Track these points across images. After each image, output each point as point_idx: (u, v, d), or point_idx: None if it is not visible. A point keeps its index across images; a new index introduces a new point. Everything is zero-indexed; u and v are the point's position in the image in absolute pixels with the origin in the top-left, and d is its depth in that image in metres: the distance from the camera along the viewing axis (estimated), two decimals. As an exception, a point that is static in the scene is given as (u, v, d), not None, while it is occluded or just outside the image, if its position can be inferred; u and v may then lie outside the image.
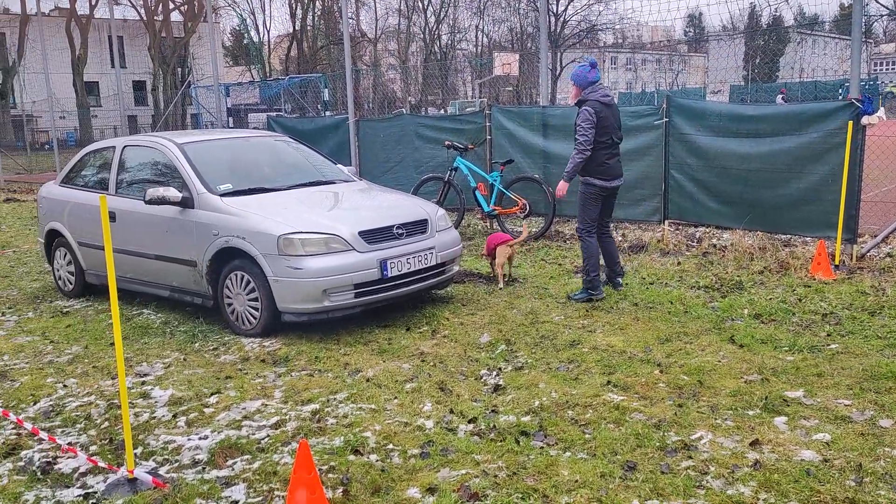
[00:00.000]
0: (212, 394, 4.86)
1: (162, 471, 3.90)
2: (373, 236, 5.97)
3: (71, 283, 7.71)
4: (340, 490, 3.59)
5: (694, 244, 8.78)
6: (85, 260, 7.44)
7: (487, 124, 10.23)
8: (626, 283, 7.08)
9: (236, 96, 30.21)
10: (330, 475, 3.74)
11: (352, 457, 3.95)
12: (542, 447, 4.01)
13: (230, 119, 18.05)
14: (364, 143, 11.79)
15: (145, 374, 5.29)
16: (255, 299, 5.92)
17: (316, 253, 5.74)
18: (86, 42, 41.80)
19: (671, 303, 6.42)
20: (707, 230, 9.16)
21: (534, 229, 9.88)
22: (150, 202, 6.32)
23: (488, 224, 10.54)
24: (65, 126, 44.22)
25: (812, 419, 4.18)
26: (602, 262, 6.86)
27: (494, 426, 4.26)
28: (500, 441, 4.08)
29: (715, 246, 8.53)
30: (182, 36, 46.17)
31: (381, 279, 5.92)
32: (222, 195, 6.27)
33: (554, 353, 5.40)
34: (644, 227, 9.51)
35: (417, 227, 6.33)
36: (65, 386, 5.13)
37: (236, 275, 6.01)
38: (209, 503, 3.55)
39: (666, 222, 8.96)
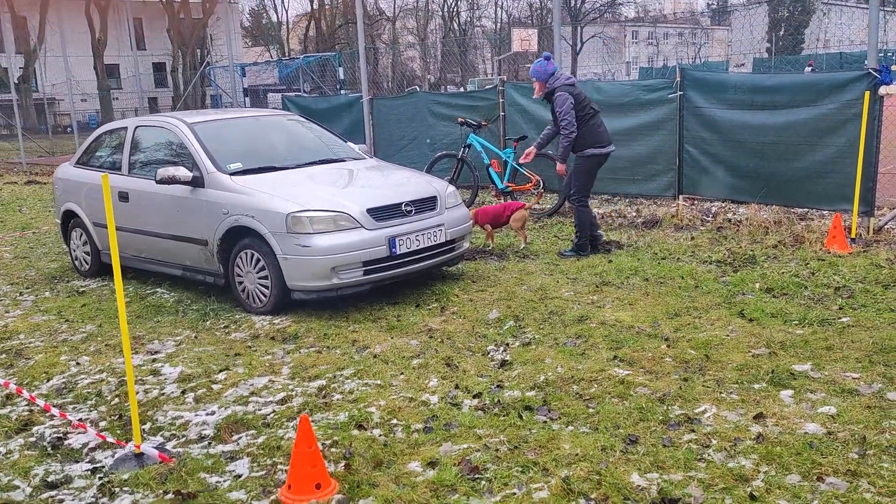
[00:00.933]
0: (220, 370, 4.92)
1: (169, 446, 3.96)
2: (381, 213, 5.98)
3: (87, 264, 7.80)
4: (343, 464, 3.62)
5: (709, 219, 8.70)
6: (100, 240, 7.52)
7: (501, 101, 10.17)
8: (638, 259, 7.04)
9: (255, 77, 30.27)
10: (333, 450, 3.78)
11: (355, 431, 3.98)
12: (545, 421, 4.02)
13: (247, 99, 18.07)
14: (378, 121, 11.78)
15: (156, 352, 5.36)
16: (265, 277, 5.97)
17: (324, 231, 5.76)
18: (105, 25, 41.97)
19: (682, 277, 6.38)
20: (723, 205, 9.07)
21: (547, 206, 9.84)
22: (160, 182, 6.37)
23: (502, 201, 10.50)
24: (86, 108, 44.60)
25: (819, 392, 4.15)
26: None
27: (499, 401, 4.27)
28: (504, 416, 4.10)
29: (730, 220, 8.45)
30: (201, 17, 46.24)
31: (389, 256, 5.93)
32: (232, 174, 6.30)
33: (562, 329, 5.39)
34: (658, 203, 9.43)
35: (426, 204, 6.33)
36: (77, 363, 5.22)
37: (246, 253, 6.06)
38: (213, 477, 3.60)
39: (680, 197, 8.88)
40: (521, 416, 4.07)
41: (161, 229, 6.76)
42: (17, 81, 40.06)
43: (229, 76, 21.84)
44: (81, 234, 7.78)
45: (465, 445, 3.77)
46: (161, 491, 3.48)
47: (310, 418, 4.14)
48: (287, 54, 54.46)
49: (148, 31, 52.04)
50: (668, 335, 5.11)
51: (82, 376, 4.98)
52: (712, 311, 5.53)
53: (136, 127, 7.32)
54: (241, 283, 6.18)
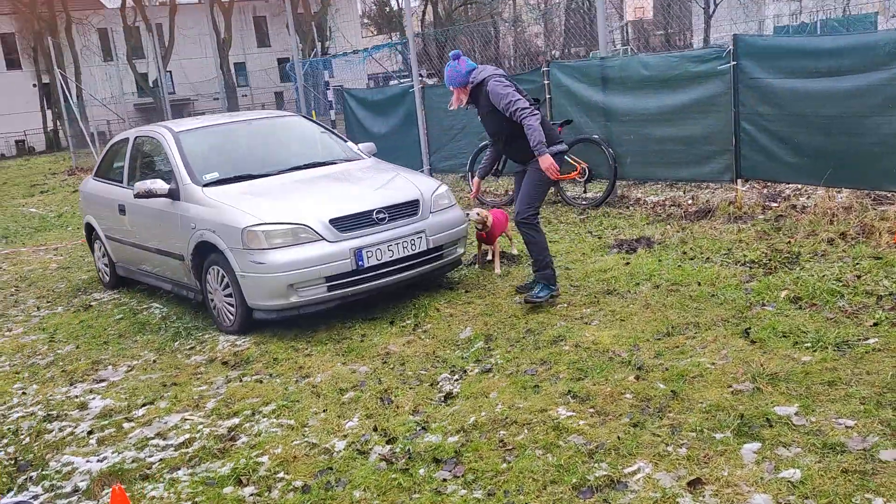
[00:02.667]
0: (144, 404, 4.60)
1: (43, 497, 3.66)
2: (346, 223, 5.46)
3: (108, 276, 7.79)
4: (183, 535, 3.18)
5: (775, 205, 7.57)
6: (114, 253, 7.47)
7: (546, 82, 9.35)
8: (660, 260, 6.15)
9: (376, 64, 30.28)
10: (186, 514, 3.34)
11: (228, 489, 3.53)
12: (443, 480, 3.40)
13: (328, 92, 17.89)
14: (430, 110, 11.21)
15: (102, 381, 5.13)
16: (230, 295, 5.61)
17: (281, 245, 5.33)
18: (229, 25, 43.59)
19: (699, 284, 5.46)
20: (793, 188, 7.89)
21: (597, 194, 8.98)
22: (137, 196, 6.17)
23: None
24: (218, 107, 46.70)
25: (793, 447, 3.28)
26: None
27: (409, 450, 3.69)
28: (403, 471, 3.52)
29: (794, 207, 7.31)
30: (319, 8, 47.12)
31: (355, 270, 5.42)
32: (206, 185, 5.98)
33: (531, 353, 4.69)
34: (715, 189, 8.35)
35: (404, 209, 5.76)
36: (24, 393, 5.07)
37: (213, 270, 5.73)
38: (50, 544, 3.26)
39: (739, 181, 7.78)
40: (420, 473, 3.47)
41: (149, 243, 6.59)
42: (153, 85, 42.55)
43: (349, 67, 21.80)
44: (101, 247, 7.77)
45: (333, 513, 3.22)
46: (-15, 561, 3.17)
47: (195, 469, 3.75)
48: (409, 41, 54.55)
49: (271, 27, 53.77)
50: (644, 363, 4.30)
51: (18, 409, 4.81)
52: (713, 330, 4.65)
53: (136, 137, 7.17)
54: (212, 300, 5.87)
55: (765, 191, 8.29)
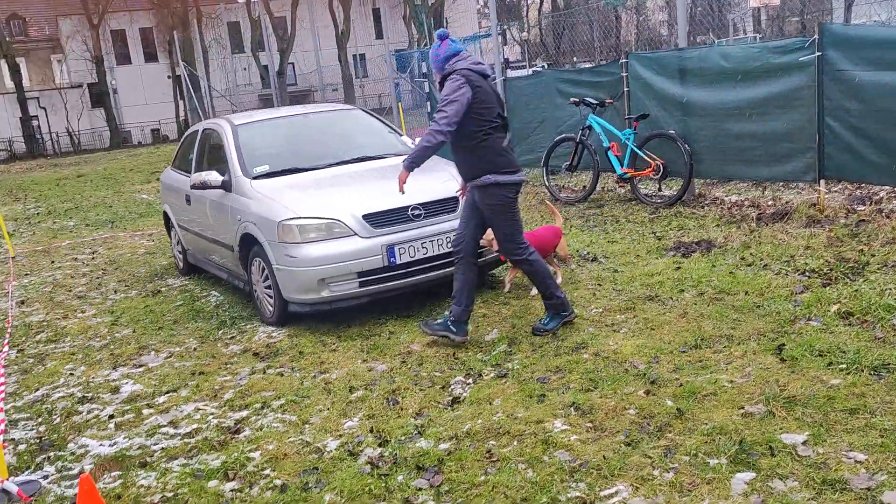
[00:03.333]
0: (168, 392, 4.76)
1: (52, 478, 3.85)
2: (379, 219, 5.45)
3: (181, 263, 8.12)
4: (155, 525, 3.25)
5: (862, 208, 6.99)
6: (185, 241, 7.77)
7: (624, 74, 8.99)
8: (714, 266, 5.80)
9: (490, 56, 30.23)
10: (166, 504, 3.42)
11: (213, 483, 3.59)
12: (418, 489, 3.33)
13: (424, 83, 17.92)
14: (512, 104, 11.03)
15: (141, 366, 5.34)
16: (270, 287, 5.72)
17: (315, 240, 5.37)
18: (348, 17, 44.60)
19: (746, 293, 5.11)
20: (888, 191, 7.25)
21: (672, 191, 8.59)
22: (193, 187, 6.38)
23: (624, 189, 9.37)
24: (337, 98, 47.95)
25: (789, 480, 3.01)
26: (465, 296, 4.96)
27: (396, 455, 3.63)
28: (384, 476, 3.47)
29: (881, 212, 6.71)
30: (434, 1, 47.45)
31: (388, 266, 5.40)
32: (255, 178, 6.11)
33: (549, 359, 4.53)
34: (801, 189, 7.79)
35: (442, 206, 5.68)
36: (72, 374, 5.35)
37: (256, 261, 5.85)
38: (40, 524, 3.41)
39: (822, 182, 7.23)
40: (398, 480, 3.41)
41: (207, 232, 6.81)
42: (274, 76, 44.10)
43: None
44: (175, 235, 8.10)
45: (300, 514, 3.21)
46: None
47: (190, 460, 3.84)
48: (525, 30, 54.15)
49: (387, 20, 54.53)
50: (659, 376, 4.06)
51: (61, 389, 5.09)
52: (744, 344, 4.32)
53: (203, 129, 7.41)
54: (255, 291, 6.00)
55: (856, 192, 7.67)
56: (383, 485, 3.37)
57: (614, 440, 3.50)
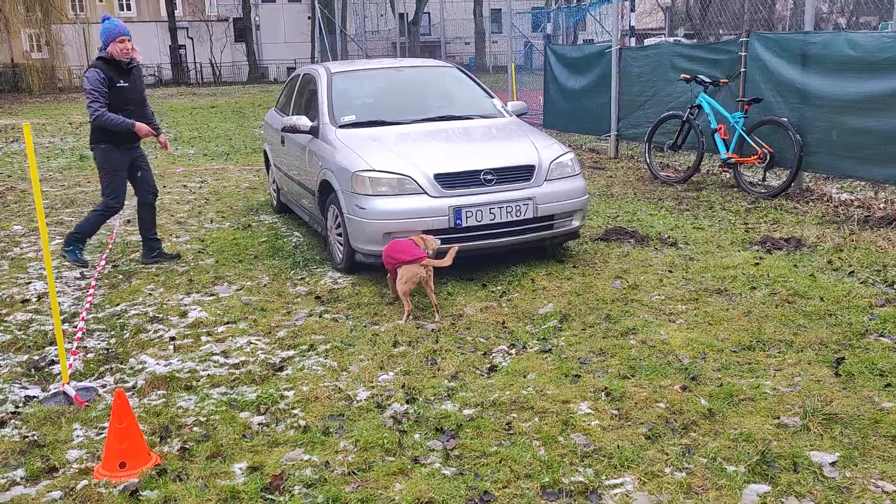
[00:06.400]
0: (227, 322, 4.99)
1: (108, 388, 4.14)
2: (450, 180, 5.45)
3: (275, 201, 8.42)
4: (179, 447, 3.45)
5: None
6: (278, 181, 8.05)
7: (743, 54, 8.53)
8: (796, 266, 5.49)
9: (639, 20, 29.24)
10: (196, 429, 3.62)
11: (244, 414, 3.76)
12: (430, 449, 3.38)
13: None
14: (625, 75, 10.69)
15: (213, 295, 5.61)
16: (341, 234, 5.86)
17: (384, 194, 5.45)
18: (486, -30, 44.13)
19: (822, 299, 4.83)
20: None
21: (777, 182, 8.16)
22: (283, 130, 6.57)
23: (727, 175, 8.94)
24: (468, 52, 47.78)
25: (806, 499, 2.87)
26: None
27: (420, 414, 3.70)
28: (403, 432, 3.54)
29: None
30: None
31: (453, 228, 5.42)
32: (340, 126, 6.23)
33: (595, 341, 4.46)
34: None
35: (516, 173, 5.62)
36: (150, 294, 5.69)
37: (332, 208, 6.00)
38: (84, 430, 3.68)
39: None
40: (414, 438, 3.48)
41: (296, 175, 7.01)
42: (408, 26, 44.35)
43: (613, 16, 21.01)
44: (272, 173, 8.40)
45: (312, 457, 3.33)
46: (20, 432, 3.66)
47: (230, 390, 4.03)
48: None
49: (528, -26, 53.48)
50: (700, 373, 3.92)
51: (138, 307, 5.42)
52: (803, 353, 4.11)
53: (303, 74, 7.59)
54: (329, 237, 6.17)
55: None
56: (397, 440, 3.44)
57: (635, 431, 3.43)
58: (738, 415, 3.50)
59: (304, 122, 6.43)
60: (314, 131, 6.39)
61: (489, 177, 5.52)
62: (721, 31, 23.42)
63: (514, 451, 3.31)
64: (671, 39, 23.67)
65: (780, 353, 4.13)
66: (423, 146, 5.85)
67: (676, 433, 3.40)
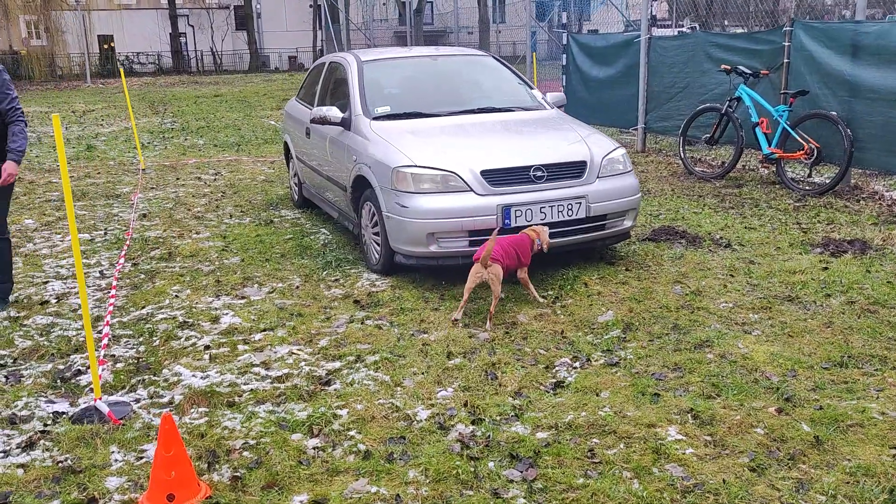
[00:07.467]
0: (264, 329, 4.64)
1: (142, 403, 3.79)
2: (498, 177, 5.10)
3: (296, 195, 8.05)
4: (231, 476, 3.10)
5: None
6: (301, 174, 7.68)
7: (786, 44, 8.17)
8: (868, 271, 5.15)
9: (638, 11, 28.80)
10: (245, 454, 3.27)
11: (296, 436, 3.41)
12: (509, 480, 3.04)
13: (563, 35, 17.04)
14: (654, 65, 10.31)
15: (243, 297, 5.25)
16: (378, 234, 5.51)
17: (428, 191, 5.09)
18: (491, -42, 43.61)
19: (905, 309, 4.49)
20: None
21: (825, 180, 7.82)
22: (312, 121, 6.22)
23: (768, 171, 8.59)
24: (471, 42, 47.31)
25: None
26: None
27: (489, 438, 3.35)
28: (474, 459, 3.20)
29: None
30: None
31: (502, 229, 5.05)
32: (375, 118, 5.87)
33: (667, 354, 4.11)
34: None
35: (567, 169, 5.26)
36: (176, 296, 5.33)
37: (367, 205, 5.64)
38: (121, 454, 3.33)
39: None
40: (489, 466, 3.13)
41: (324, 169, 6.65)
42: (411, 14, 43.89)
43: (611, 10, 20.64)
44: (293, 166, 8.03)
45: (380, 490, 2.99)
46: (52, 455, 3.31)
47: (277, 407, 3.69)
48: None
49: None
50: (795, 394, 3.58)
51: (164, 310, 5.06)
52: (900, 370, 3.77)
53: (330, 63, 7.22)
54: (363, 235, 5.81)
55: None
56: (472, 470, 3.10)
57: (737, 462, 3.09)
58: (849, 443, 3.16)
59: (334, 112, 6.06)
60: (345, 123, 6.03)
61: (539, 173, 5.16)
62: (726, 22, 22.99)
63: (604, 483, 2.97)
64: (675, 31, 23.18)
65: (876, 370, 3.79)
66: (465, 140, 5.49)
67: (783, 464, 3.06)
